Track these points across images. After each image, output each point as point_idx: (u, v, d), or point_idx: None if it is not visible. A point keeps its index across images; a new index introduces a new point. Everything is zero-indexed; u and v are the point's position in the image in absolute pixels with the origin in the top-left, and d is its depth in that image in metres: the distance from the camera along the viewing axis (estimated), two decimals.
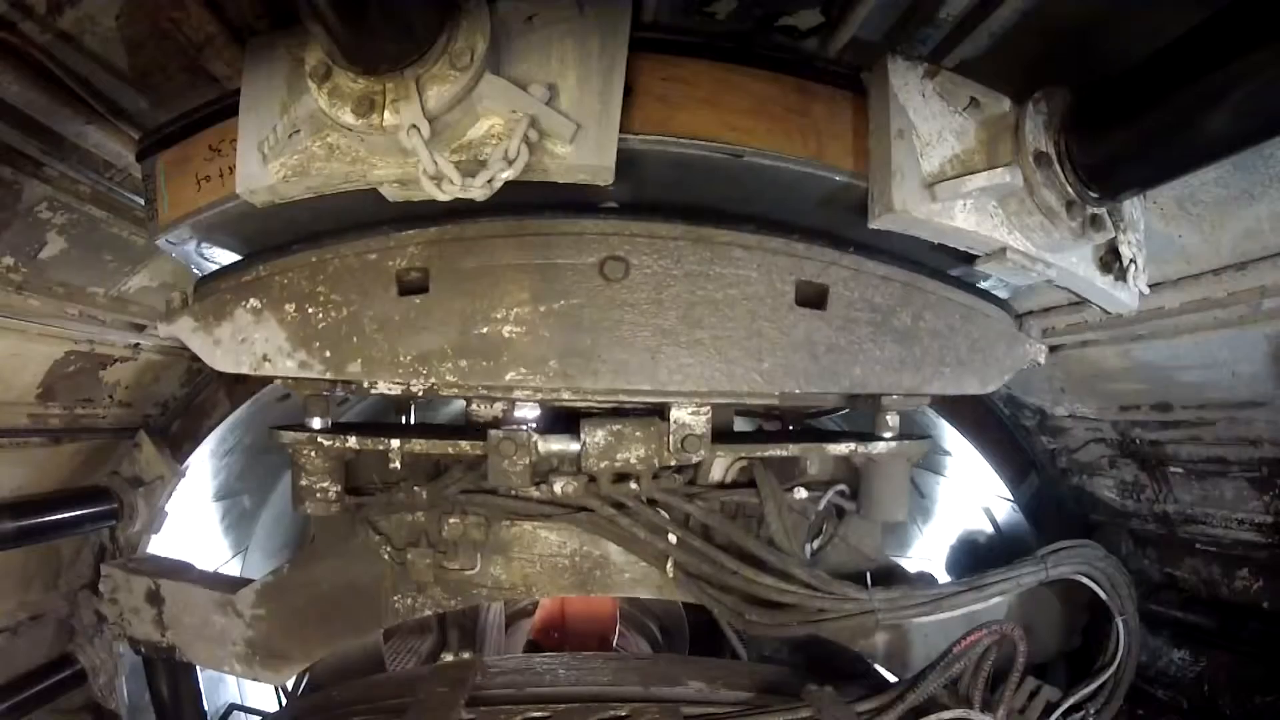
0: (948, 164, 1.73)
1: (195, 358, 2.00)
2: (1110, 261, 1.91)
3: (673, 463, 2.08)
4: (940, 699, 2.25)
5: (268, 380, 3.48)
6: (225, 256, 2.27)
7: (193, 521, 4.02)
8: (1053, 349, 2.80)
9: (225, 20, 1.72)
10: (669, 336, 1.91)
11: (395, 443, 2.17)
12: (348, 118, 1.50)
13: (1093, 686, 2.56)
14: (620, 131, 1.63)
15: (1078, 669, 2.70)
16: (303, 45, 1.57)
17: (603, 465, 2.07)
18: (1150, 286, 2.01)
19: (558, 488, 2.16)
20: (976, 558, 4.20)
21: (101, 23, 1.67)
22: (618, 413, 2.13)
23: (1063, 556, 2.51)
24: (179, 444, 3.44)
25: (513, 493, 2.30)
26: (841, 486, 2.49)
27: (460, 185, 1.57)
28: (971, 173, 1.71)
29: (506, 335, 1.89)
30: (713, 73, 1.74)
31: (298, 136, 1.64)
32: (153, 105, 1.97)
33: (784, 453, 2.29)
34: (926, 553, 4.96)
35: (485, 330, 1.89)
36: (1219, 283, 2.06)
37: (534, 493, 2.26)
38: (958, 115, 1.76)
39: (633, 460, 2.06)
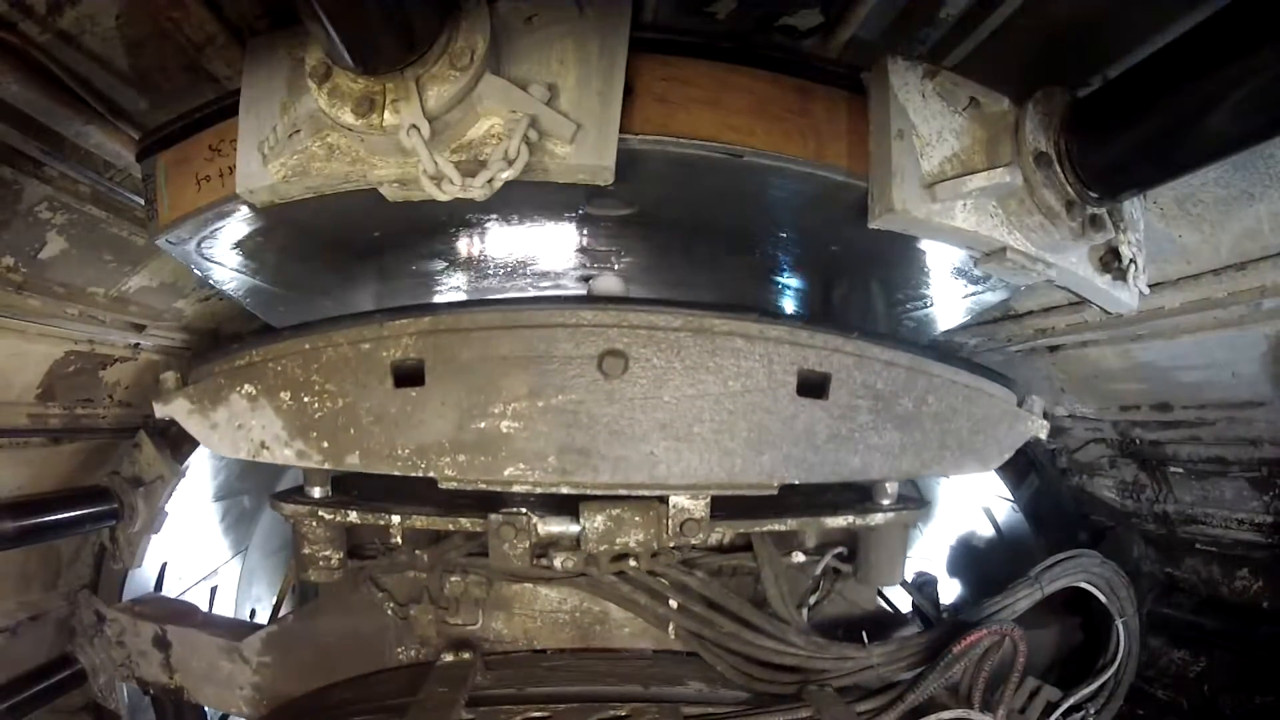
0: (947, 164, 1.73)
1: (196, 357, 2.00)
2: (1110, 261, 1.91)
3: (671, 545, 2.07)
4: (940, 699, 2.25)
5: None
6: (226, 257, 2.27)
7: (193, 521, 4.02)
8: (1053, 349, 2.80)
9: (225, 20, 1.72)
10: (668, 432, 1.88)
11: (395, 519, 2.15)
12: (348, 118, 1.50)
13: (1093, 687, 2.56)
14: (620, 132, 1.63)
15: (1078, 669, 2.70)
16: (303, 45, 1.57)
17: (602, 549, 2.06)
18: (1150, 286, 2.01)
19: (558, 563, 2.15)
20: (976, 558, 4.20)
21: (101, 23, 1.67)
22: (617, 496, 2.09)
23: (1056, 572, 2.51)
24: (179, 444, 3.44)
25: None
26: (840, 549, 2.48)
27: (460, 185, 1.57)
28: (971, 173, 1.71)
29: (504, 430, 1.86)
30: (713, 73, 1.74)
31: (298, 136, 1.64)
32: (153, 105, 1.97)
33: (783, 527, 2.26)
34: (927, 553, 4.95)
35: (483, 425, 1.86)
36: (1219, 283, 2.06)
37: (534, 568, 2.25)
38: (957, 115, 1.76)
39: (632, 544, 2.05)
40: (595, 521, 2.03)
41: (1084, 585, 2.54)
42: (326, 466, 1.96)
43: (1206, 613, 2.77)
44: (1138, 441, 2.85)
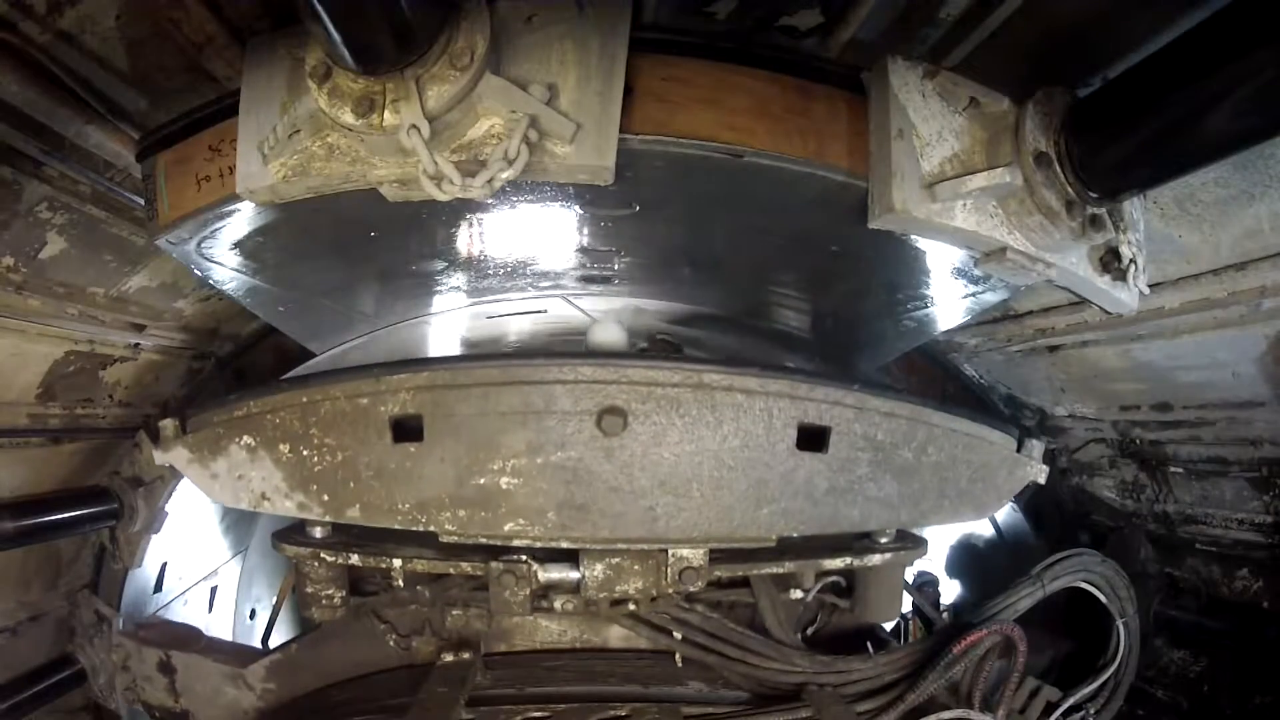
0: (947, 164, 1.73)
1: (196, 356, 1.99)
2: (1110, 261, 1.91)
3: (670, 591, 2.08)
4: (940, 699, 2.25)
5: (268, 379, 3.51)
6: (225, 257, 2.27)
7: (193, 521, 4.02)
8: (1052, 349, 2.80)
9: (225, 20, 1.72)
10: (667, 488, 1.88)
11: (397, 562, 2.15)
12: (348, 118, 1.50)
13: (1093, 686, 2.56)
14: (620, 131, 1.63)
15: (1078, 669, 2.70)
16: (303, 45, 1.57)
17: (602, 595, 2.07)
18: (1150, 286, 2.01)
19: (558, 604, 2.16)
20: (976, 558, 4.20)
21: (101, 23, 1.67)
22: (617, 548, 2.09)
23: (1058, 570, 2.51)
24: None
25: None
26: (836, 579, 2.47)
27: (460, 185, 1.57)
28: (971, 173, 1.71)
29: (504, 487, 1.86)
30: (713, 73, 1.74)
31: (298, 136, 1.64)
32: (153, 105, 1.97)
33: (781, 569, 2.26)
34: (927, 553, 4.95)
35: (483, 481, 1.86)
36: (1219, 283, 2.06)
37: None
38: (957, 115, 1.76)
39: (631, 591, 2.06)
40: (595, 570, 2.04)
41: (1084, 585, 2.54)
42: (328, 519, 1.97)
43: (1207, 613, 2.77)
44: (1138, 441, 2.85)
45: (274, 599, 4.79)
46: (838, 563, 2.24)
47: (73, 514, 3.08)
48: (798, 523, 1.97)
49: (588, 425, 1.84)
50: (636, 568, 2.04)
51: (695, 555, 2.00)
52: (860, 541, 2.33)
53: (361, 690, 2.45)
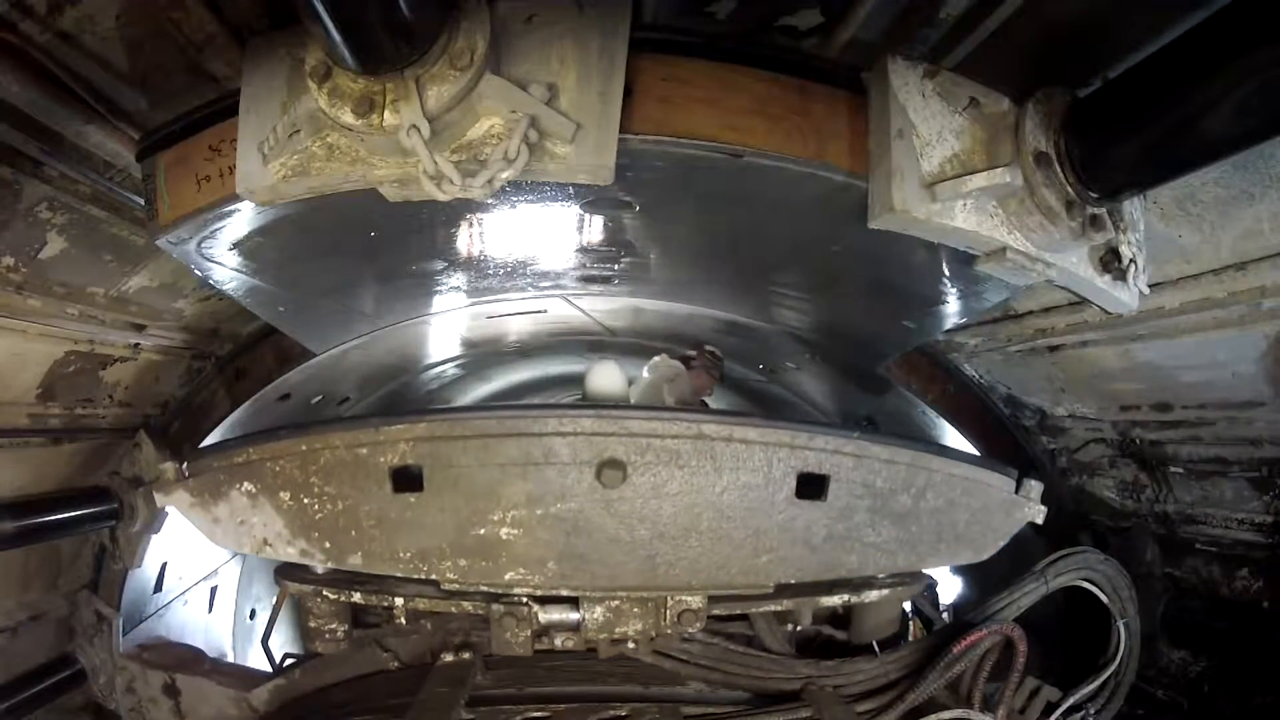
0: (947, 164, 1.73)
1: (196, 356, 1.99)
2: (1110, 261, 1.91)
3: (669, 632, 2.09)
4: (940, 699, 2.25)
5: (268, 380, 3.51)
6: (226, 257, 2.27)
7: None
8: (1053, 349, 2.80)
9: (225, 20, 1.72)
10: (666, 539, 1.89)
11: (399, 600, 2.16)
12: (348, 118, 1.50)
13: (1093, 686, 2.55)
14: (620, 131, 1.63)
15: (1078, 669, 2.70)
16: (303, 45, 1.57)
17: (602, 636, 2.08)
18: (1150, 286, 2.01)
19: (559, 642, 2.17)
20: None
21: (101, 23, 1.67)
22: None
23: (1061, 567, 2.51)
24: (179, 444, 3.44)
25: None
26: (835, 609, 2.46)
27: (460, 185, 1.57)
28: (971, 173, 1.71)
29: (504, 537, 1.87)
30: (713, 73, 1.74)
31: (298, 136, 1.64)
32: (153, 105, 1.97)
33: (779, 607, 2.27)
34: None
35: (483, 531, 1.87)
36: (1219, 283, 2.06)
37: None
38: (957, 115, 1.76)
39: (631, 632, 2.07)
40: (595, 613, 2.06)
41: (1086, 584, 2.54)
42: (330, 565, 1.98)
43: (1206, 613, 2.76)
44: (1138, 441, 2.85)
45: (274, 599, 4.79)
46: (835, 600, 2.24)
47: (73, 514, 3.08)
48: (795, 570, 1.98)
49: (587, 476, 1.84)
50: (636, 610, 2.05)
51: (694, 599, 2.02)
52: (858, 577, 2.34)
53: (361, 690, 2.45)
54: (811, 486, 1.93)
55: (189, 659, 3.04)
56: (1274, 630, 2.51)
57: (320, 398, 4.57)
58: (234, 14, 1.72)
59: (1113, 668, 2.58)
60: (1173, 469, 2.78)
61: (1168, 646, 2.89)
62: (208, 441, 3.55)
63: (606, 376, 2.13)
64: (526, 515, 1.85)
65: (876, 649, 2.39)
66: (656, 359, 4.75)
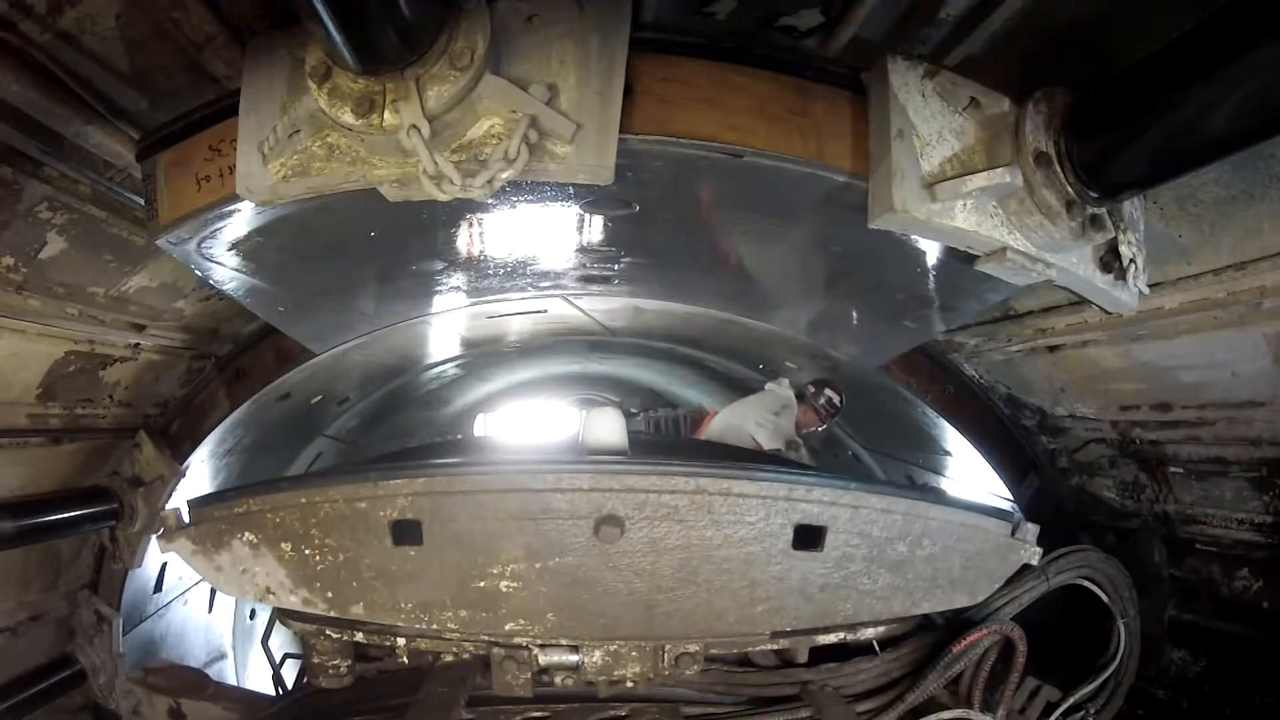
0: (948, 164, 1.73)
1: (196, 356, 1.99)
2: (1110, 261, 1.91)
3: (667, 673, 2.11)
4: (940, 699, 2.25)
5: (268, 379, 3.51)
6: (226, 257, 2.27)
7: None
8: (1052, 349, 2.80)
9: (225, 20, 1.72)
10: (663, 591, 1.90)
11: (401, 641, 2.17)
12: (348, 118, 1.50)
13: (1093, 686, 2.55)
14: (620, 131, 1.64)
15: (1078, 669, 2.70)
16: (303, 45, 1.57)
17: (601, 679, 2.10)
18: (1150, 286, 2.01)
19: (558, 680, 2.18)
20: None
21: (101, 23, 1.67)
22: None
23: (1063, 564, 2.50)
24: (179, 444, 3.44)
25: None
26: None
27: (460, 185, 1.57)
28: (971, 173, 1.71)
29: (504, 590, 1.88)
30: (713, 73, 1.74)
31: (298, 136, 1.64)
32: (153, 105, 1.97)
33: (775, 646, 2.25)
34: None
35: (483, 584, 1.88)
36: (1219, 283, 2.06)
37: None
38: (958, 115, 1.76)
39: (629, 675, 2.09)
40: (594, 656, 2.07)
41: (1086, 583, 2.53)
42: (333, 615, 1.99)
43: (1206, 613, 2.76)
44: (1138, 441, 2.85)
45: None
46: (831, 638, 2.25)
47: (73, 514, 3.08)
48: (792, 618, 2.00)
49: (585, 531, 1.85)
50: (634, 654, 2.07)
51: (691, 643, 2.05)
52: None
53: (361, 690, 2.45)
54: (809, 537, 1.94)
55: (194, 683, 3.06)
56: (1274, 630, 2.51)
57: (320, 397, 4.57)
58: (234, 14, 1.72)
59: (1113, 668, 2.57)
60: (1173, 469, 2.78)
61: (1169, 647, 2.89)
62: (207, 441, 3.56)
63: (605, 427, 2.11)
64: (525, 569, 1.88)
65: (876, 648, 2.38)
66: (772, 385, 4.66)
